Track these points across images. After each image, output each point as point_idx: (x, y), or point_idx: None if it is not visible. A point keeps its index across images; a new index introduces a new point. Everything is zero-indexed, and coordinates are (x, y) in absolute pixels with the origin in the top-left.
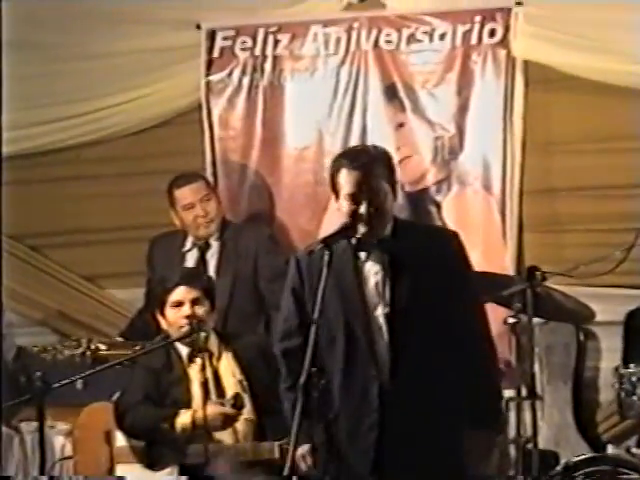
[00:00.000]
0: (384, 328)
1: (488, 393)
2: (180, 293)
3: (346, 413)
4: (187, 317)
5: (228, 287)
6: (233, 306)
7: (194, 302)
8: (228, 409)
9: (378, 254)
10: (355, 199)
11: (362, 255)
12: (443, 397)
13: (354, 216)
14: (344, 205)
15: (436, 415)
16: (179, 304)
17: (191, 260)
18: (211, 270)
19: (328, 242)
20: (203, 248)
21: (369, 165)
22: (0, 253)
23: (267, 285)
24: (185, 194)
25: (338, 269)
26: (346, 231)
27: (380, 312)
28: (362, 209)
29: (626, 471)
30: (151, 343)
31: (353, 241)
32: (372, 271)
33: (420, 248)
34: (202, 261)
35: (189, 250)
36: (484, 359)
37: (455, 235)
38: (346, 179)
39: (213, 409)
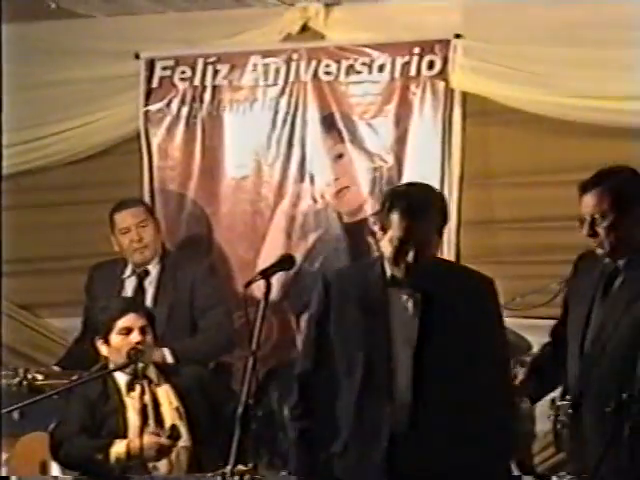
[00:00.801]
0: (409, 367)
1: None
2: (129, 320)
3: (355, 448)
4: (136, 344)
5: (165, 316)
6: (169, 335)
7: (142, 329)
8: (164, 440)
9: (411, 291)
10: (402, 245)
11: (394, 290)
12: (457, 450)
13: (397, 260)
14: (387, 244)
15: (448, 464)
16: (128, 331)
17: (130, 287)
18: (149, 298)
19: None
20: (142, 275)
21: (425, 215)
22: None
23: (201, 315)
24: (122, 218)
25: (365, 299)
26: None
27: (406, 351)
28: (409, 257)
29: None
30: (89, 372)
31: (387, 274)
32: (402, 307)
33: (455, 291)
34: (140, 288)
35: (128, 277)
36: (504, 420)
37: (491, 282)
38: (398, 223)
39: (149, 439)
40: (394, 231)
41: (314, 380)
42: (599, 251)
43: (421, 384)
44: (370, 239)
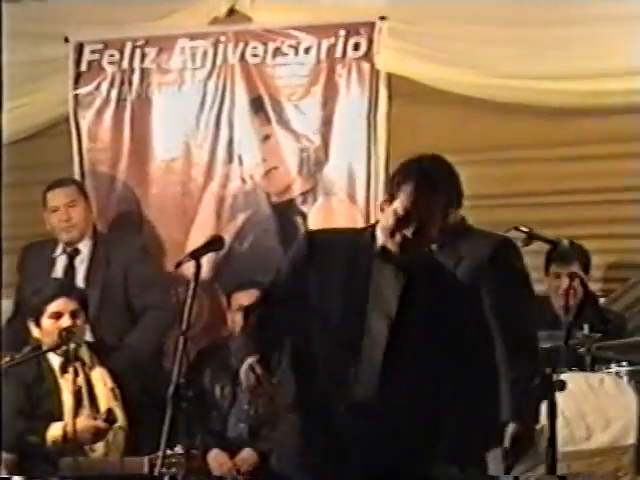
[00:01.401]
0: (383, 339)
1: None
2: (59, 304)
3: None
4: (67, 328)
5: (98, 295)
6: (103, 314)
7: (73, 314)
8: (100, 423)
9: (396, 268)
10: (406, 216)
11: (380, 262)
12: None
13: (394, 232)
14: (389, 214)
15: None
16: (59, 316)
17: (60, 266)
18: (80, 277)
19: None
20: (72, 254)
21: (437, 192)
22: None
23: (136, 293)
24: (53, 197)
25: (350, 264)
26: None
27: (382, 323)
28: (409, 231)
29: None
30: (22, 354)
31: (378, 245)
32: (385, 281)
33: (438, 278)
34: (71, 267)
35: (58, 256)
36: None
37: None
38: (409, 194)
39: (85, 422)
40: (402, 202)
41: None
42: None
43: (392, 355)
44: (298, 218)
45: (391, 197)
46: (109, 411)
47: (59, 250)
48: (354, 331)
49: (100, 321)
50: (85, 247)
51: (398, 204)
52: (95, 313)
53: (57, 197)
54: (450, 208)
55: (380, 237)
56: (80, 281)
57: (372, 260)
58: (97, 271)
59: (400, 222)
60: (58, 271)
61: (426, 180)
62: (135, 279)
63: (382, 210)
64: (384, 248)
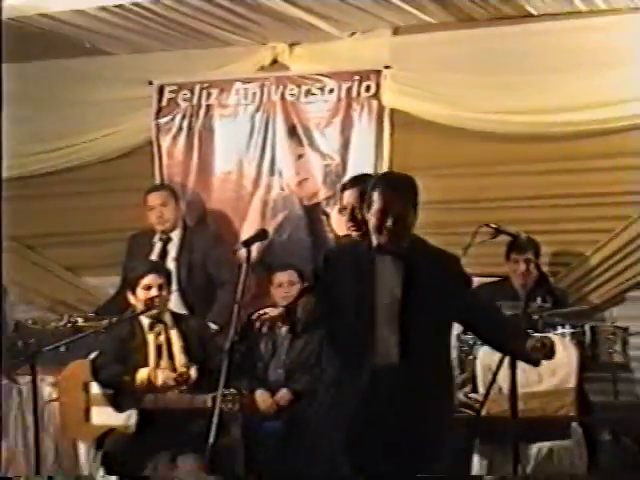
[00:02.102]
0: (395, 320)
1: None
2: (150, 279)
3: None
4: (155, 297)
5: (185, 272)
6: (189, 285)
7: (160, 286)
8: (176, 376)
9: (395, 258)
10: (383, 214)
11: (380, 257)
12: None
13: (379, 228)
14: (372, 217)
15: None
16: (149, 287)
17: (157, 249)
18: (171, 258)
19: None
20: (165, 241)
21: (400, 191)
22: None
23: (213, 271)
24: (150, 198)
25: (357, 264)
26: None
27: (392, 306)
28: (389, 223)
29: (463, 409)
30: (121, 316)
31: (374, 244)
32: (387, 271)
33: (428, 262)
34: (164, 251)
35: (156, 242)
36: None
37: (457, 259)
38: (380, 198)
39: (166, 374)
40: (376, 204)
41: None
42: None
43: (405, 334)
44: (323, 217)
45: (369, 206)
46: (182, 373)
47: (157, 238)
48: (369, 312)
49: (187, 290)
50: (176, 236)
51: (376, 206)
52: (184, 284)
53: (154, 199)
54: (415, 203)
55: (374, 239)
56: (171, 261)
57: (374, 256)
58: (184, 254)
59: (381, 218)
60: (155, 254)
61: (389, 185)
62: (212, 260)
63: (342, 208)
64: (379, 245)
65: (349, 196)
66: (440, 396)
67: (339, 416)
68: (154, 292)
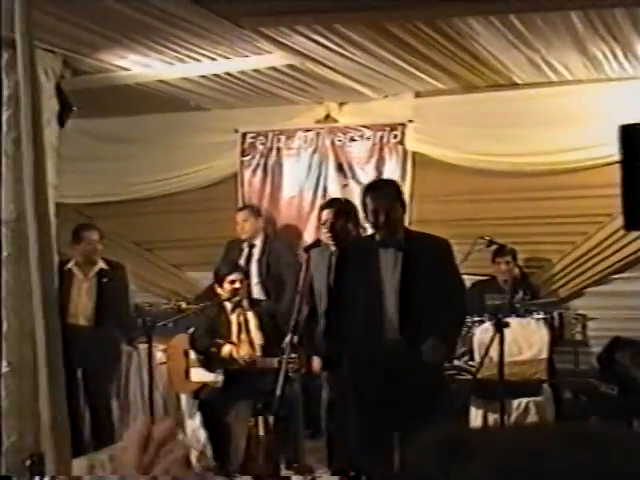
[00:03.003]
0: (395, 298)
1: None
2: (234, 276)
3: (360, 353)
4: (237, 288)
5: (265, 271)
6: (268, 280)
7: (241, 281)
8: (249, 355)
9: (395, 250)
10: (375, 212)
11: (382, 250)
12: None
13: (375, 224)
14: (369, 217)
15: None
16: (232, 282)
17: (245, 252)
18: (254, 260)
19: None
20: (250, 246)
21: (385, 191)
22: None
23: (284, 270)
24: (238, 216)
25: (365, 257)
26: (371, 237)
27: (393, 290)
28: (381, 218)
29: (463, 373)
30: (212, 302)
31: (377, 240)
32: (389, 261)
33: (423, 248)
34: (250, 253)
35: (244, 248)
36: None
37: (446, 242)
38: (370, 200)
39: (245, 350)
40: (369, 206)
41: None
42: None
43: (404, 312)
44: (361, 231)
45: (365, 211)
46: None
47: (245, 244)
48: (376, 295)
49: (266, 282)
50: (259, 242)
51: (370, 208)
52: (264, 279)
53: (239, 216)
54: (400, 200)
55: (376, 236)
56: (254, 261)
57: (377, 250)
58: (264, 256)
59: (375, 216)
60: (243, 256)
61: (376, 187)
62: (283, 261)
63: (322, 222)
64: (382, 240)
65: (327, 213)
66: (436, 364)
67: (360, 381)
68: (237, 285)
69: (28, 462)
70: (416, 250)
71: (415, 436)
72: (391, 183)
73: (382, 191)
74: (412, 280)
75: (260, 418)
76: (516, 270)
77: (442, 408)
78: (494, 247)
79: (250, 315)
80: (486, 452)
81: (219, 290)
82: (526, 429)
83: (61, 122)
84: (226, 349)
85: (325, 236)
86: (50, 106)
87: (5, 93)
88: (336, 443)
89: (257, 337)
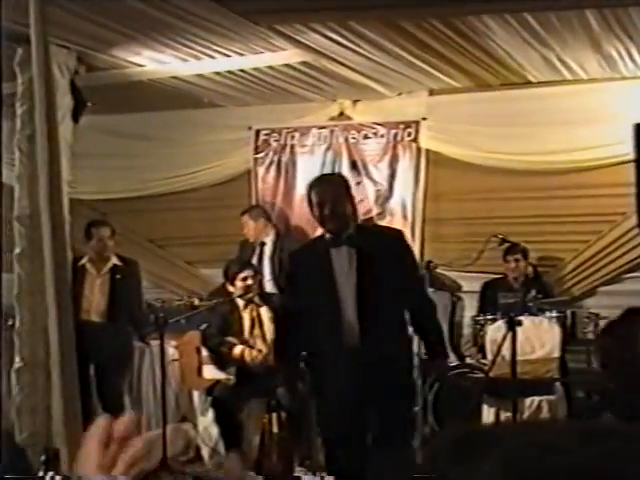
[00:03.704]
0: (354, 303)
1: (438, 338)
2: (245, 274)
3: (321, 361)
4: (248, 285)
5: (277, 267)
6: (280, 273)
7: (252, 278)
8: (261, 357)
9: (346, 248)
10: (320, 206)
11: (334, 249)
12: (393, 341)
13: (321, 219)
14: (315, 212)
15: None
16: (244, 279)
17: (257, 251)
18: (266, 257)
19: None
20: (262, 245)
21: (330, 184)
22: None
23: None
24: (245, 219)
25: (316, 259)
26: (320, 237)
27: (350, 293)
28: (326, 211)
29: (476, 371)
30: (224, 299)
31: (327, 239)
32: (342, 261)
33: (377, 243)
34: (261, 251)
35: (255, 246)
36: (430, 315)
37: (400, 232)
38: (315, 194)
39: (254, 354)
40: (314, 199)
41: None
42: None
43: (363, 314)
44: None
45: (311, 209)
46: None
47: (256, 244)
48: (333, 300)
49: (277, 279)
50: (269, 241)
51: (314, 201)
52: (276, 276)
53: (246, 218)
54: (349, 195)
55: (326, 234)
56: (267, 259)
57: (328, 249)
58: (276, 253)
59: (320, 209)
60: (256, 254)
61: (321, 183)
62: None
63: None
64: (332, 238)
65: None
66: (400, 364)
67: (326, 391)
68: (249, 282)
69: (43, 458)
70: (370, 245)
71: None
72: (337, 177)
73: (326, 184)
74: (370, 279)
75: (274, 415)
76: (528, 268)
77: (410, 418)
78: (505, 245)
79: (263, 310)
80: (500, 448)
81: (231, 288)
82: (539, 425)
83: (75, 118)
84: (237, 350)
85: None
86: (64, 102)
87: (19, 89)
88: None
89: (270, 331)
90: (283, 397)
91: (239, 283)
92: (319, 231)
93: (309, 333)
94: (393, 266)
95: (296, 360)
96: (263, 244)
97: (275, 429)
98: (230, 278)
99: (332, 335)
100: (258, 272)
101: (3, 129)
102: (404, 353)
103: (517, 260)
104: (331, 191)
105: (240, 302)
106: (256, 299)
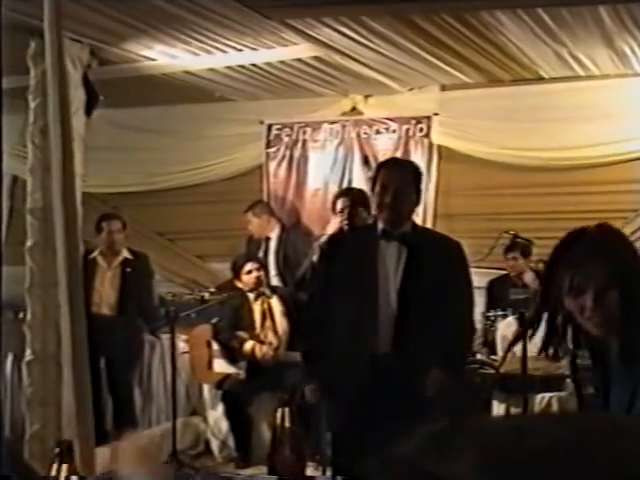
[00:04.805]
0: (394, 300)
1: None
2: (249, 266)
3: (347, 362)
4: (255, 278)
5: (282, 262)
6: (285, 268)
7: (257, 270)
8: (272, 353)
9: (397, 245)
10: (383, 190)
11: (384, 242)
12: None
13: (380, 205)
14: (375, 196)
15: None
16: (249, 272)
17: (263, 245)
18: (272, 251)
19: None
20: (267, 240)
21: (402, 169)
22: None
23: (302, 258)
24: (249, 216)
25: (360, 251)
26: (370, 227)
27: (391, 291)
28: (388, 199)
29: (486, 367)
30: (234, 293)
31: (379, 229)
32: (390, 256)
33: (432, 248)
34: (266, 246)
35: (262, 241)
36: (463, 334)
37: (460, 245)
38: (382, 174)
39: (264, 350)
40: (379, 183)
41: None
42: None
43: (402, 321)
44: None
45: (373, 190)
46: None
47: (262, 239)
48: (370, 299)
49: (284, 273)
50: (274, 235)
51: (377, 185)
52: (281, 271)
53: (249, 214)
54: (417, 187)
55: (379, 224)
56: (272, 254)
57: (378, 242)
58: (281, 248)
59: (382, 194)
60: (262, 250)
61: (394, 164)
62: (300, 250)
63: (339, 211)
64: (384, 230)
65: (344, 201)
66: (429, 381)
67: (341, 399)
68: (254, 275)
69: (57, 450)
70: (424, 248)
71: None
72: (409, 163)
73: (398, 169)
74: (416, 284)
75: (286, 409)
76: (529, 266)
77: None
78: (516, 241)
79: (274, 302)
80: (477, 442)
81: (238, 283)
82: (519, 417)
83: (88, 112)
84: (248, 345)
85: (343, 224)
86: (77, 96)
87: (32, 82)
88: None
89: (282, 323)
90: (310, 394)
91: (245, 277)
92: (330, 227)
93: (334, 327)
94: (444, 279)
95: (319, 355)
96: (268, 239)
97: (287, 423)
98: (236, 273)
99: (361, 335)
100: (263, 265)
101: (16, 122)
102: (437, 372)
103: (515, 258)
104: (399, 177)
105: (250, 295)
106: (266, 290)
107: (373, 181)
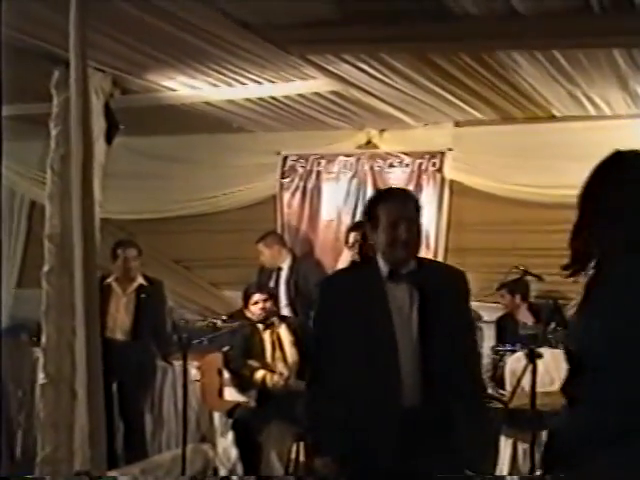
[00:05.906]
0: (416, 352)
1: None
2: (256, 297)
3: (366, 427)
4: (261, 309)
5: (293, 292)
6: (297, 298)
7: (264, 301)
8: (282, 382)
9: (407, 286)
10: (394, 227)
11: (391, 285)
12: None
13: (394, 240)
14: (381, 234)
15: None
16: (256, 303)
17: (274, 276)
18: (282, 282)
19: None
20: (278, 270)
21: (406, 200)
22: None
23: (311, 289)
24: (261, 246)
25: (365, 294)
26: (368, 267)
27: (409, 338)
28: (403, 235)
29: (494, 402)
30: (243, 322)
31: (382, 270)
32: (401, 300)
33: (440, 282)
34: (277, 276)
35: (274, 271)
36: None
37: (464, 274)
38: (385, 211)
39: (275, 379)
40: (388, 216)
41: (322, 376)
42: None
43: (427, 365)
44: None
45: (372, 226)
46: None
47: (274, 269)
48: (389, 349)
49: (295, 300)
50: (285, 266)
51: (384, 220)
52: (292, 301)
53: (262, 246)
54: (419, 219)
55: (383, 265)
56: (283, 284)
57: (383, 283)
58: (292, 278)
59: (393, 231)
60: (272, 280)
61: (395, 195)
62: (311, 281)
63: (369, 240)
64: (391, 272)
65: (355, 235)
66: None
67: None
68: (260, 305)
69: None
70: (433, 285)
71: None
72: (409, 193)
73: (403, 200)
74: (434, 325)
75: (301, 443)
76: (522, 302)
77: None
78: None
79: (283, 333)
80: None
81: (247, 313)
82: None
83: (108, 140)
84: (259, 374)
85: (354, 258)
86: (98, 124)
87: (54, 110)
88: None
89: (291, 354)
90: (324, 468)
91: (252, 307)
92: (343, 258)
93: (346, 384)
94: (456, 312)
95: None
96: (280, 269)
97: (302, 457)
98: (245, 302)
99: (386, 391)
100: (272, 295)
101: (36, 148)
102: (470, 417)
103: (502, 296)
104: (409, 210)
105: (260, 324)
106: (274, 320)
107: (373, 216)
